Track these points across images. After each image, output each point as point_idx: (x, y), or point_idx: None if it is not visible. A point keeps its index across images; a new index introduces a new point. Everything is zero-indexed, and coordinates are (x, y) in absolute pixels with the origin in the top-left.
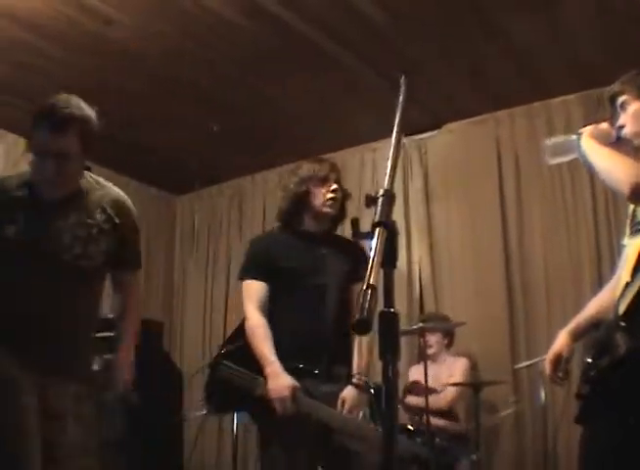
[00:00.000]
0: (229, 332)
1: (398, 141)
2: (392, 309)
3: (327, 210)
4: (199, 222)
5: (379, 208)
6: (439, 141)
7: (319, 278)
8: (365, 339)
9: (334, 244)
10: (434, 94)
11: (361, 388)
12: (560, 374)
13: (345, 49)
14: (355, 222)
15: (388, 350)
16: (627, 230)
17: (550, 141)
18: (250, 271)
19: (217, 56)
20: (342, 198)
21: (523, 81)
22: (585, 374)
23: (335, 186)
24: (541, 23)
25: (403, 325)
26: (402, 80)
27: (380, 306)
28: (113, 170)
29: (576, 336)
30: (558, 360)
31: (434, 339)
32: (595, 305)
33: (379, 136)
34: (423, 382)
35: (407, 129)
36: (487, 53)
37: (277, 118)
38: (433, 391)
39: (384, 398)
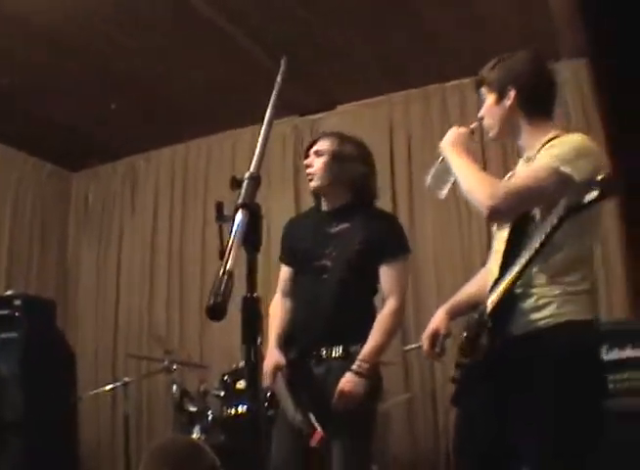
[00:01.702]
0: (121, 312)
1: (270, 123)
2: (255, 294)
3: (311, 185)
4: (93, 199)
5: (243, 190)
6: (332, 122)
7: (321, 260)
8: (380, 320)
9: (354, 220)
10: (328, 74)
11: (361, 374)
12: (437, 350)
13: (242, 28)
14: (219, 206)
15: (251, 335)
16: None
17: (429, 176)
18: (280, 254)
19: (116, 29)
20: (328, 163)
21: (416, 64)
22: (457, 358)
23: (307, 160)
24: (449, 7)
25: None
26: (283, 61)
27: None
28: (10, 146)
29: (453, 314)
30: (435, 337)
31: None
32: (473, 287)
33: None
34: None
35: (300, 109)
36: (386, 32)
37: (170, 95)
38: None
39: (247, 381)
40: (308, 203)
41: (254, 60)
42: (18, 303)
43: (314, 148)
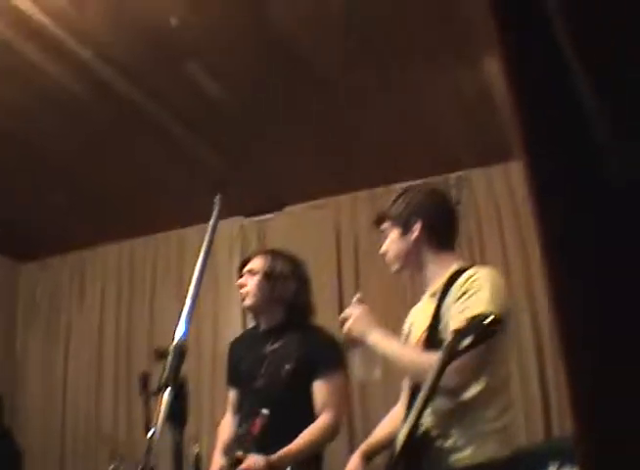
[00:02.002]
0: (68, 409)
1: (202, 269)
2: None
3: (244, 305)
4: (41, 293)
5: (167, 366)
6: (279, 224)
7: (257, 381)
8: (308, 430)
9: (287, 338)
10: (275, 175)
11: (267, 462)
12: None
13: (190, 131)
14: (143, 379)
15: None
16: None
17: (354, 369)
18: (226, 377)
19: (64, 129)
20: (261, 283)
21: (366, 166)
22: None
23: (240, 280)
24: (392, 110)
25: None
26: (217, 199)
27: None
28: None
29: (369, 457)
30: None
31: None
32: (386, 427)
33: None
34: None
35: (247, 210)
36: (332, 137)
37: (117, 193)
38: None
39: None
40: None
41: (200, 160)
42: None
43: (247, 267)
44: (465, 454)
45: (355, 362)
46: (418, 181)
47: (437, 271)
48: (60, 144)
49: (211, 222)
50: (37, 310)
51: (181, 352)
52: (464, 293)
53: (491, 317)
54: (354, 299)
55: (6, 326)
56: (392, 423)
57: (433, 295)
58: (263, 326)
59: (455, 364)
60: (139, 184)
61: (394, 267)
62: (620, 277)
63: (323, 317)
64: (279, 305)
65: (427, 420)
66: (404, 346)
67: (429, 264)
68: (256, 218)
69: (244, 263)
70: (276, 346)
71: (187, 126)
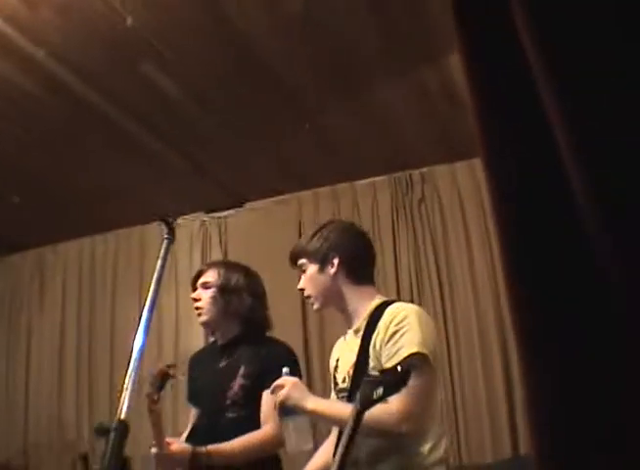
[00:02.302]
0: (31, 411)
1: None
2: None
3: (199, 320)
4: (0, 291)
5: (109, 447)
6: (240, 220)
7: (213, 398)
8: (247, 436)
9: (240, 353)
10: (235, 172)
11: (194, 452)
12: None
13: (148, 130)
14: (83, 458)
15: None
16: (333, 386)
17: (288, 442)
18: (186, 396)
19: (18, 127)
20: (215, 298)
21: (328, 162)
22: None
23: (194, 293)
24: (354, 106)
25: None
26: (163, 226)
27: None
28: None
29: None
30: None
31: None
32: (316, 463)
33: (177, 212)
34: None
35: (207, 206)
36: (293, 134)
37: (77, 191)
38: None
39: None
40: None
41: (160, 158)
42: None
43: (201, 280)
44: None
45: (289, 434)
46: (382, 177)
47: (358, 306)
48: (12, 142)
49: (159, 262)
50: None
51: (123, 429)
52: (394, 332)
53: (402, 369)
54: (284, 370)
55: None
56: (324, 456)
57: (356, 331)
58: (220, 341)
59: (399, 410)
60: (97, 182)
61: (316, 305)
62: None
63: (288, 316)
64: (234, 320)
65: (361, 456)
66: (338, 403)
67: (349, 299)
68: (217, 214)
69: (197, 276)
70: (229, 361)
71: (145, 125)
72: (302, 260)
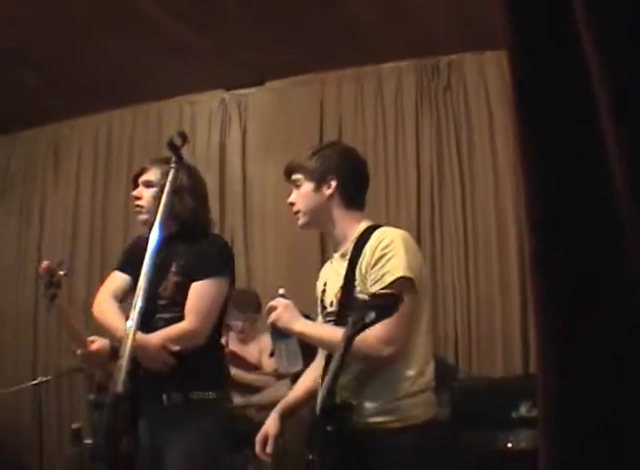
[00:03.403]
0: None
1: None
2: None
3: (139, 218)
4: (14, 167)
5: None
6: (261, 98)
7: (150, 299)
8: (167, 329)
9: (174, 249)
10: (257, 50)
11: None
12: (268, 451)
13: (167, 10)
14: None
15: None
16: (319, 310)
17: (281, 362)
18: None
19: (35, 11)
20: (155, 198)
21: (353, 44)
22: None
23: (135, 191)
24: None
25: None
26: (172, 156)
27: None
28: None
29: (285, 415)
30: (264, 440)
31: (240, 325)
32: (303, 384)
33: (196, 89)
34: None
35: (228, 84)
36: (318, 16)
37: (92, 70)
38: (252, 367)
39: None
40: (234, 181)
41: (178, 36)
42: None
43: (143, 177)
44: (392, 416)
45: (281, 355)
46: (408, 62)
47: (346, 229)
48: (30, 26)
49: (167, 187)
50: (10, 185)
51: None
52: (380, 257)
53: (394, 293)
54: (279, 291)
55: None
56: (310, 380)
57: (343, 255)
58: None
59: (380, 334)
60: (115, 60)
61: (303, 221)
62: None
63: None
64: (174, 220)
65: (347, 380)
66: (327, 327)
67: (337, 222)
68: (237, 92)
69: (139, 173)
70: (161, 259)
71: (163, 6)
72: (298, 176)
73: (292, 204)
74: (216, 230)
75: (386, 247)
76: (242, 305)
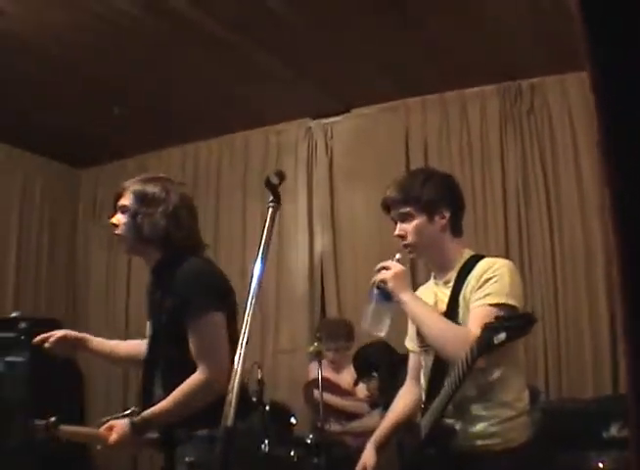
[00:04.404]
0: (131, 320)
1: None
2: None
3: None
4: (101, 198)
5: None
6: (347, 126)
7: (149, 334)
8: (181, 386)
9: (162, 284)
10: (341, 77)
11: (133, 426)
12: None
13: (241, 35)
14: None
15: None
16: (411, 332)
17: (365, 319)
18: None
19: (120, 46)
20: (128, 223)
21: (436, 69)
22: None
23: (112, 219)
24: (463, 17)
25: (302, 321)
26: (269, 195)
27: None
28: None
29: (380, 446)
30: None
31: (331, 355)
32: (395, 416)
33: (282, 119)
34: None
35: (314, 112)
36: (402, 41)
37: (179, 100)
38: (347, 394)
39: None
40: (321, 208)
41: (261, 64)
42: (23, 325)
43: (119, 202)
44: (494, 440)
45: (367, 314)
46: (491, 86)
47: (452, 258)
48: (114, 59)
49: (266, 227)
50: (98, 218)
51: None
52: (485, 280)
53: (527, 316)
54: (396, 256)
55: (69, 234)
56: (401, 409)
57: (446, 282)
58: (149, 268)
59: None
60: (199, 91)
61: (416, 255)
62: None
63: (387, 226)
64: (152, 245)
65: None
66: (434, 311)
67: (446, 251)
68: (324, 121)
69: (116, 197)
70: (156, 294)
71: (244, 34)
72: (407, 209)
73: (401, 237)
74: (307, 260)
75: (492, 272)
76: (333, 334)
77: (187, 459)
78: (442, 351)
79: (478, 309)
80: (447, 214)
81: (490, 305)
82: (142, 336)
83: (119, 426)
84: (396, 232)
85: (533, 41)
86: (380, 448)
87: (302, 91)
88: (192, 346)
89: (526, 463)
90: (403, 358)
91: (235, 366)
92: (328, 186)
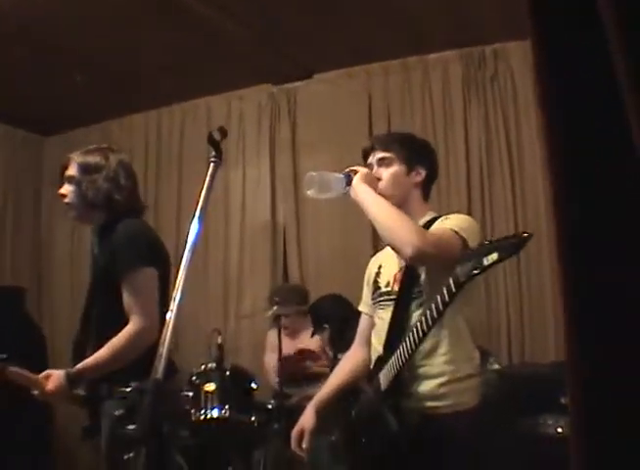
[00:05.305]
0: None
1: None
2: None
3: (69, 216)
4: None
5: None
6: (309, 92)
7: (89, 290)
8: (113, 339)
9: (102, 242)
10: (304, 44)
11: (67, 376)
12: (304, 446)
13: (204, 1)
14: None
15: None
16: (366, 297)
17: (314, 174)
18: None
19: (78, 10)
20: (75, 191)
21: (399, 35)
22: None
23: (60, 190)
24: None
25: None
26: (211, 151)
27: None
28: None
29: (322, 409)
30: (300, 435)
31: (285, 320)
32: (336, 380)
33: (244, 84)
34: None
35: (276, 78)
36: (363, 6)
37: (140, 67)
38: (318, 357)
39: None
40: (283, 173)
41: (224, 30)
42: None
43: (65, 173)
44: (445, 401)
45: (313, 180)
46: (453, 51)
47: (415, 216)
48: (73, 25)
49: (206, 183)
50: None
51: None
52: (441, 220)
53: (523, 233)
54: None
55: (34, 202)
56: (344, 373)
57: None
58: (94, 230)
59: (430, 238)
60: (162, 58)
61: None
62: None
63: None
64: (97, 210)
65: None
66: (393, 207)
67: (412, 209)
68: (286, 86)
69: (62, 169)
70: (97, 251)
71: (214, 4)
72: (389, 154)
73: (378, 179)
74: (265, 226)
75: (447, 216)
76: (287, 299)
77: (116, 413)
78: (392, 235)
79: (435, 228)
80: (423, 174)
81: (451, 229)
82: None
83: (55, 376)
84: (375, 173)
85: (494, 7)
86: (321, 411)
87: (264, 57)
88: (124, 299)
89: (479, 428)
90: (356, 312)
91: (167, 320)
92: (290, 150)
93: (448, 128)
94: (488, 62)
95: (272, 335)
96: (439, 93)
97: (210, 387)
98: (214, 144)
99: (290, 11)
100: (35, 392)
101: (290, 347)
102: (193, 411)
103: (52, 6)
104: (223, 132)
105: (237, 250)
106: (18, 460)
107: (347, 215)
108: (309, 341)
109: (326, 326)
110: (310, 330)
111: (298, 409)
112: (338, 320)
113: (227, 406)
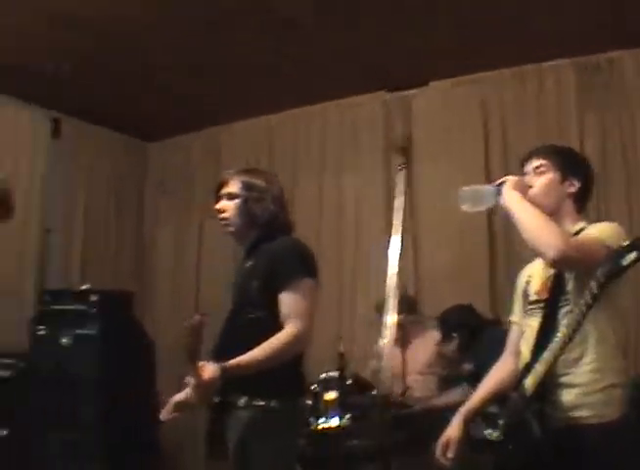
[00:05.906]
0: (202, 296)
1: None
2: None
3: (226, 231)
4: (172, 172)
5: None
6: (424, 99)
7: (233, 301)
8: (270, 340)
9: (258, 256)
10: (420, 51)
11: (223, 369)
12: (449, 456)
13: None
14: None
15: None
16: (517, 308)
17: (466, 189)
18: None
19: (177, 21)
20: (240, 208)
21: (513, 44)
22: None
23: (219, 205)
24: None
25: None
26: (400, 159)
27: None
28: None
29: (469, 418)
30: (447, 445)
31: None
32: (487, 388)
33: (358, 92)
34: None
35: (390, 84)
36: (477, 15)
37: (249, 73)
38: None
39: None
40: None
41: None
42: (94, 298)
43: (224, 190)
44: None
45: (466, 195)
46: (566, 60)
47: (567, 229)
48: (177, 31)
49: (398, 193)
50: (167, 189)
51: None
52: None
53: None
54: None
55: (136, 207)
56: (494, 382)
57: None
58: (245, 246)
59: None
60: (275, 66)
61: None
62: None
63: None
64: (255, 228)
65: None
66: (538, 211)
67: (564, 220)
68: (400, 93)
69: (220, 185)
70: (254, 261)
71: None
72: (543, 161)
73: (530, 187)
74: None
75: (595, 224)
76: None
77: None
78: (536, 238)
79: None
80: (577, 185)
81: (594, 235)
82: (211, 310)
83: (211, 367)
84: (528, 180)
85: (612, 16)
86: (469, 421)
87: (381, 62)
88: (284, 306)
89: (623, 442)
90: (485, 322)
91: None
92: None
93: (562, 137)
94: (603, 70)
95: (388, 344)
96: (554, 101)
97: (331, 396)
98: (405, 152)
99: (398, 20)
100: (190, 379)
101: (400, 356)
102: (312, 420)
103: (153, 20)
104: (408, 140)
105: (351, 259)
106: (129, 459)
107: (463, 221)
108: (419, 350)
109: (454, 335)
110: (420, 339)
111: (421, 419)
112: (466, 330)
113: (347, 416)
